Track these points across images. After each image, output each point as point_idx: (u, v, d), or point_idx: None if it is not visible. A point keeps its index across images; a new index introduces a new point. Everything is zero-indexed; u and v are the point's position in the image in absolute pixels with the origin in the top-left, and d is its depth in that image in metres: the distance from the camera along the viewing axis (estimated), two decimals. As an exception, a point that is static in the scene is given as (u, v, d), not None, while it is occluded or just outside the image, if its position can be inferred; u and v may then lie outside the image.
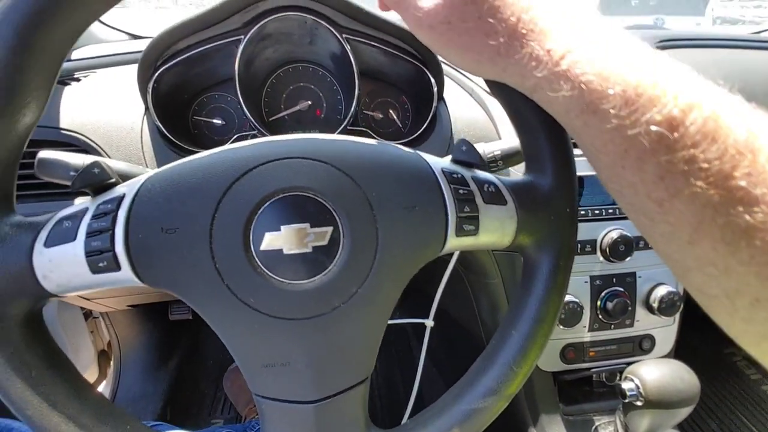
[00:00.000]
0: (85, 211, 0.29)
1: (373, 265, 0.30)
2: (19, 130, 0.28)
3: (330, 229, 0.30)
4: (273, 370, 0.30)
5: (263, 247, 0.29)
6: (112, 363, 1.05)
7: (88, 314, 1.04)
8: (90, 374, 1.04)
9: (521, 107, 0.33)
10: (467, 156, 0.35)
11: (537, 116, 0.33)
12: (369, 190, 0.31)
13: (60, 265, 0.28)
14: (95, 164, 0.30)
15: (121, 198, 0.29)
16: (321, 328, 0.30)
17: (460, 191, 0.32)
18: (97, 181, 0.30)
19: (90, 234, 0.28)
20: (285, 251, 0.29)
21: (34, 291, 0.28)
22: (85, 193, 0.31)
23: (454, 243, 0.33)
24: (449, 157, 0.35)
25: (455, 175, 0.33)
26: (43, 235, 0.28)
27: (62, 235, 0.28)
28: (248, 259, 0.29)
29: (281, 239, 0.29)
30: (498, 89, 0.33)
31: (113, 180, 0.31)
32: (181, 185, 0.29)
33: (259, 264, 0.29)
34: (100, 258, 0.28)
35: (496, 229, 0.33)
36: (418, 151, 0.34)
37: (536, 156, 0.35)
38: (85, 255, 0.28)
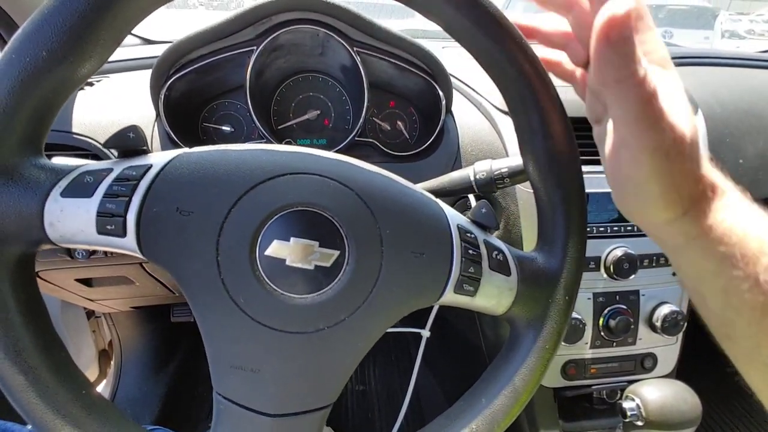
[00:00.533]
0: (109, 171, 0.30)
1: (368, 298, 0.31)
2: (75, 78, 0.29)
3: (337, 253, 0.30)
4: (241, 374, 0.30)
5: (268, 252, 0.29)
6: (112, 363, 1.06)
7: (90, 313, 1.04)
8: (90, 373, 1.05)
9: (551, 193, 0.35)
10: (485, 219, 0.36)
11: (563, 206, 0.35)
12: (384, 227, 0.31)
13: (69, 217, 0.29)
14: (132, 128, 0.31)
15: (148, 168, 0.30)
16: (299, 345, 0.30)
17: (470, 251, 0.33)
18: (129, 145, 0.31)
19: (108, 195, 0.29)
20: (288, 262, 0.29)
21: (36, 236, 0.28)
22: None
23: (450, 298, 0.33)
24: (465, 214, 0.36)
25: (469, 234, 0.34)
26: (62, 183, 0.29)
27: (81, 188, 0.29)
28: (250, 260, 0.29)
29: (287, 250, 0.30)
30: (537, 177, 0.35)
31: (145, 148, 0.31)
32: (208, 171, 0.30)
33: (259, 268, 0.29)
34: (109, 221, 0.29)
35: (493, 297, 0.34)
36: (440, 203, 0.35)
37: (550, 237, 0.36)
38: (96, 214, 0.29)
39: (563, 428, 0.65)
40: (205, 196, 0.30)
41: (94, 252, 0.52)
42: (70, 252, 0.51)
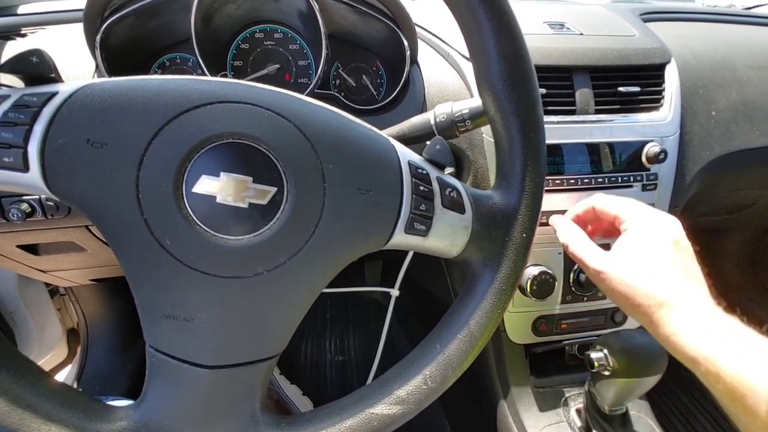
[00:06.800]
0: (5, 97, 0.27)
1: (310, 239, 0.28)
2: None
3: (273, 189, 0.28)
4: (173, 324, 0.27)
5: (196, 189, 0.27)
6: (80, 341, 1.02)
7: (55, 291, 1.00)
8: (58, 353, 1.01)
9: (508, 123, 0.33)
10: (438, 156, 0.34)
11: (520, 135, 0.33)
12: (326, 161, 0.29)
13: None
14: (35, 52, 0.27)
15: (53, 95, 0.26)
16: (236, 291, 0.28)
17: (421, 188, 0.31)
18: (31, 71, 0.27)
19: (3, 123, 0.26)
20: (218, 200, 0.27)
21: None
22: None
23: (400, 239, 0.31)
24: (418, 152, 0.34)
25: (420, 170, 0.32)
26: None
27: None
28: (176, 197, 0.26)
29: (218, 186, 0.27)
30: (494, 107, 0.34)
31: (51, 75, 0.28)
32: (124, 99, 0.27)
33: (187, 206, 0.27)
34: (6, 152, 0.26)
35: (447, 236, 0.32)
36: (390, 139, 0.32)
37: (508, 173, 0.34)
38: None
39: (534, 384, 0.65)
40: (121, 126, 0.27)
41: (31, 213, 0.48)
42: (3, 213, 0.47)
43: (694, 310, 0.35)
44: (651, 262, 0.37)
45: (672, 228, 0.40)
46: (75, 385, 0.95)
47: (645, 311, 0.36)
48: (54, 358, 1.01)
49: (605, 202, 0.45)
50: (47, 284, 0.97)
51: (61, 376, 1.00)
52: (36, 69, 0.28)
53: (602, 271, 0.39)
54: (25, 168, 0.26)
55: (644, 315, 0.36)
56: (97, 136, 0.26)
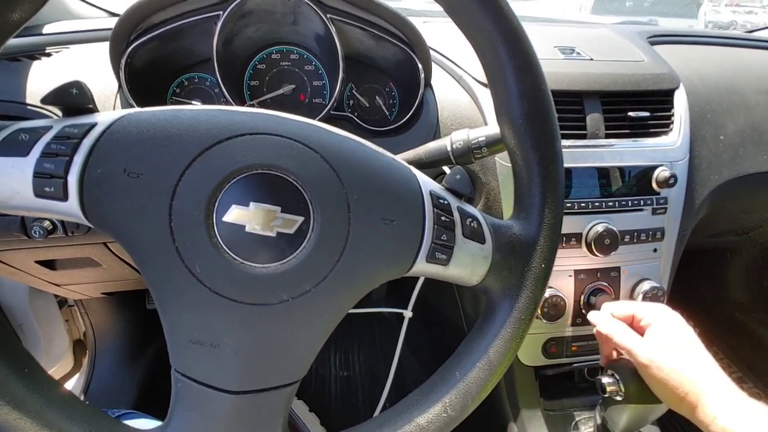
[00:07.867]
0: (47, 129, 0.28)
1: (335, 267, 0.29)
2: (7, 24, 0.27)
3: (301, 219, 0.28)
4: (199, 349, 0.28)
5: (226, 218, 0.27)
6: (87, 353, 1.02)
7: (63, 302, 1.01)
8: (64, 364, 1.01)
9: (528, 156, 0.34)
10: (459, 185, 0.34)
11: (539, 168, 0.34)
12: (351, 192, 0.30)
13: (2, 178, 0.27)
14: (75, 84, 0.29)
15: (92, 126, 0.28)
16: (262, 317, 0.28)
17: (443, 218, 0.32)
18: (71, 102, 0.29)
19: (45, 154, 0.27)
20: (248, 229, 0.28)
21: None
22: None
23: (422, 268, 0.32)
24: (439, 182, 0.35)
25: (442, 201, 0.33)
26: None
27: (15, 146, 0.27)
28: (207, 226, 0.27)
29: (247, 215, 0.28)
30: (514, 140, 0.35)
31: (90, 106, 0.29)
32: (159, 131, 0.28)
33: (217, 234, 0.27)
34: (48, 182, 0.27)
35: (467, 266, 0.33)
36: (412, 169, 0.33)
37: (527, 204, 0.35)
38: (33, 175, 0.27)
39: (544, 407, 0.65)
40: (156, 157, 0.28)
41: (52, 231, 0.49)
42: (26, 231, 0.48)
43: (726, 397, 0.39)
44: (685, 351, 0.43)
45: (681, 321, 0.46)
46: (82, 397, 0.95)
47: (689, 402, 0.41)
48: (60, 369, 1.01)
49: (618, 307, 0.51)
50: (56, 295, 0.98)
51: (67, 388, 1.00)
52: (75, 100, 0.29)
53: (651, 359, 0.43)
54: (65, 197, 0.27)
55: (688, 404, 0.41)
56: (133, 167, 0.27)
